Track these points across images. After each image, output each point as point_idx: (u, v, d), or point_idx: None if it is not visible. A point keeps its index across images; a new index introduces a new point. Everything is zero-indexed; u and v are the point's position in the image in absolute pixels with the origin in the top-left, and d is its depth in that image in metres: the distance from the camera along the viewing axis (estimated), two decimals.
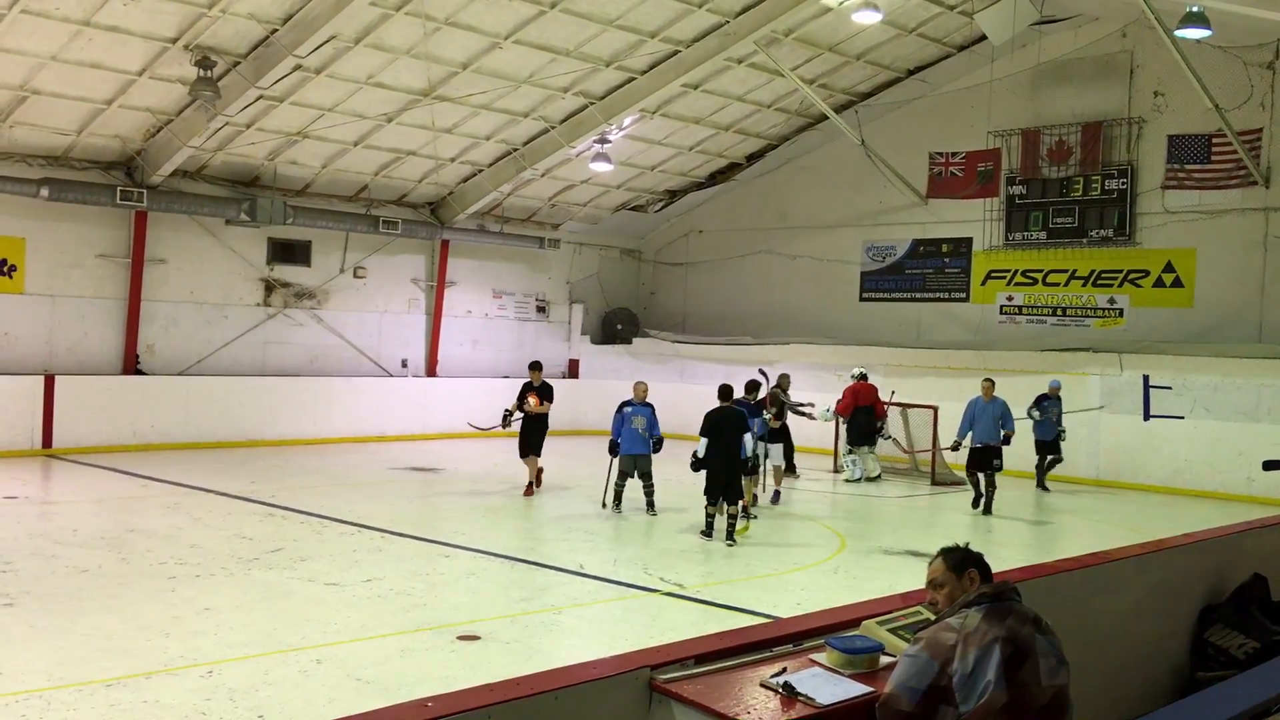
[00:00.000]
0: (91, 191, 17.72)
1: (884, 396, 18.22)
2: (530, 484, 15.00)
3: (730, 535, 12.13)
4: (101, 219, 18.31)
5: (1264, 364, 17.12)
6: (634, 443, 13.69)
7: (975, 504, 14.83)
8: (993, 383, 15.23)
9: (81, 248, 18.23)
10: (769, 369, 15.92)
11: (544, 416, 15.00)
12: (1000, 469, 14.78)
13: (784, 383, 16.19)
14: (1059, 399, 17.29)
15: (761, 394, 14.58)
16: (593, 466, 15.27)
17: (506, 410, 15.12)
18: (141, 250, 18.64)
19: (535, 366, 15.46)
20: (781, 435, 15.65)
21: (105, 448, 17.69)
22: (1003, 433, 14.78)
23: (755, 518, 13.48)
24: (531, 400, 14.82)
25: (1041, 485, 17.33)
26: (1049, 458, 17.36)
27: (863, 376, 18.25)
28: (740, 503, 12.43)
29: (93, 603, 8.71)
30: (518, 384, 15.93)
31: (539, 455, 14.96)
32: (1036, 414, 16.94)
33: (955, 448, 15.41)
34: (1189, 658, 5.76)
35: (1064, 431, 17.22)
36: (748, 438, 12.35)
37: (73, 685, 6.71)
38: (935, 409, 18.07)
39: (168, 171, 18.10)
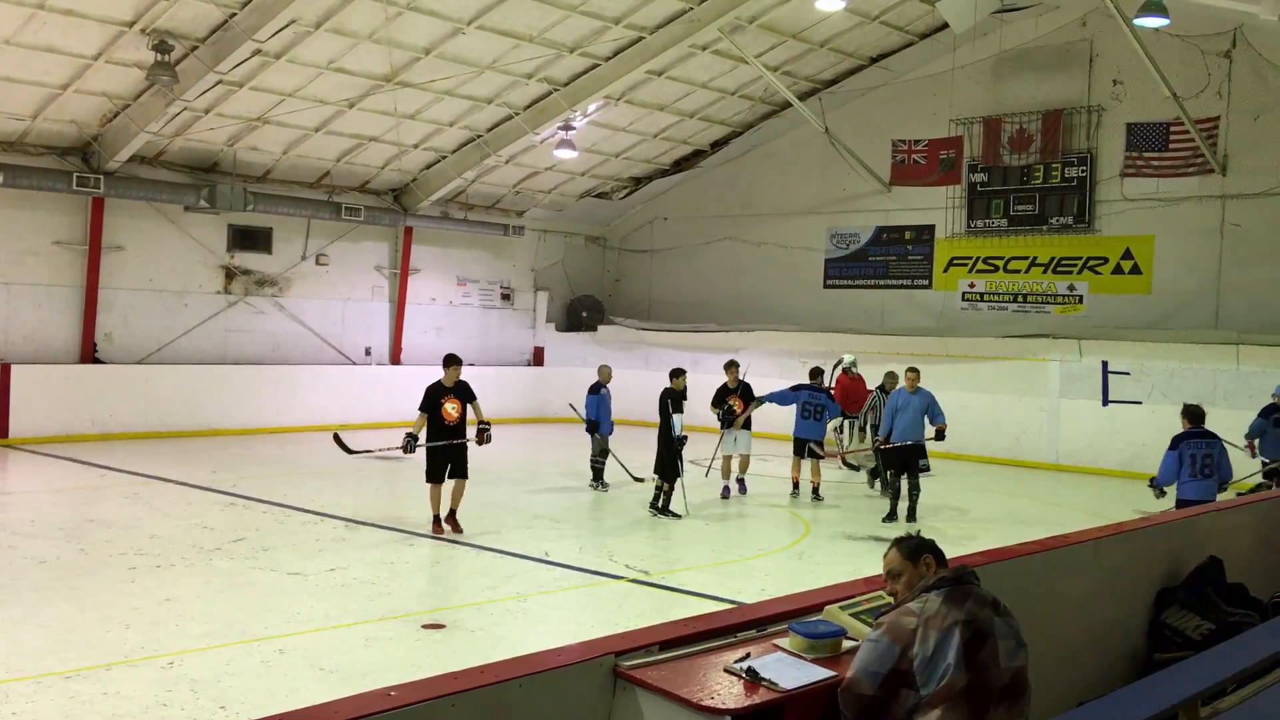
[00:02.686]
0: (47, 178, 17.44)
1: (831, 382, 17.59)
2: (440, 519, 11.41)
3: (657, 507, 12.96)
4: (58, 205, 18.03)
5: (1220, 349, 17.38)
6: (605, 420, 14.75)
7: (889, 517, 12.98)
8: (917, 371, 13.30)
9: (37, 234, 17.95)
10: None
11: (462, 428, 11.47)
12: (926, 470, 13.12)
13: (888, 382, 14.58)
14: None
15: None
16: (559, 453, 15.29)
17: (409, 435, 11.30)
18: (99, 237, 18.38)
19: (452, 361, 11.50)
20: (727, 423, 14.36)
21: (63, 437, 17.46)
22: (933, 427, 13.03)
23: (822, 499, 14.37)
24: (450, 407, 11.29)
25: None
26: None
27: (852, 365, 17.56)
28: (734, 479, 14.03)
29: (51, 594, 8.61)
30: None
31: (466, 477, 11.50)
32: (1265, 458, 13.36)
33: (878, 448, 14.05)
34: (1146, 639, 5.84)
35: None
36: (676, 418, 12.90)
37: (31, 677, 6.64)
38: None
39: (125, 157, 17.84)
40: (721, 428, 14.36)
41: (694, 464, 14.31)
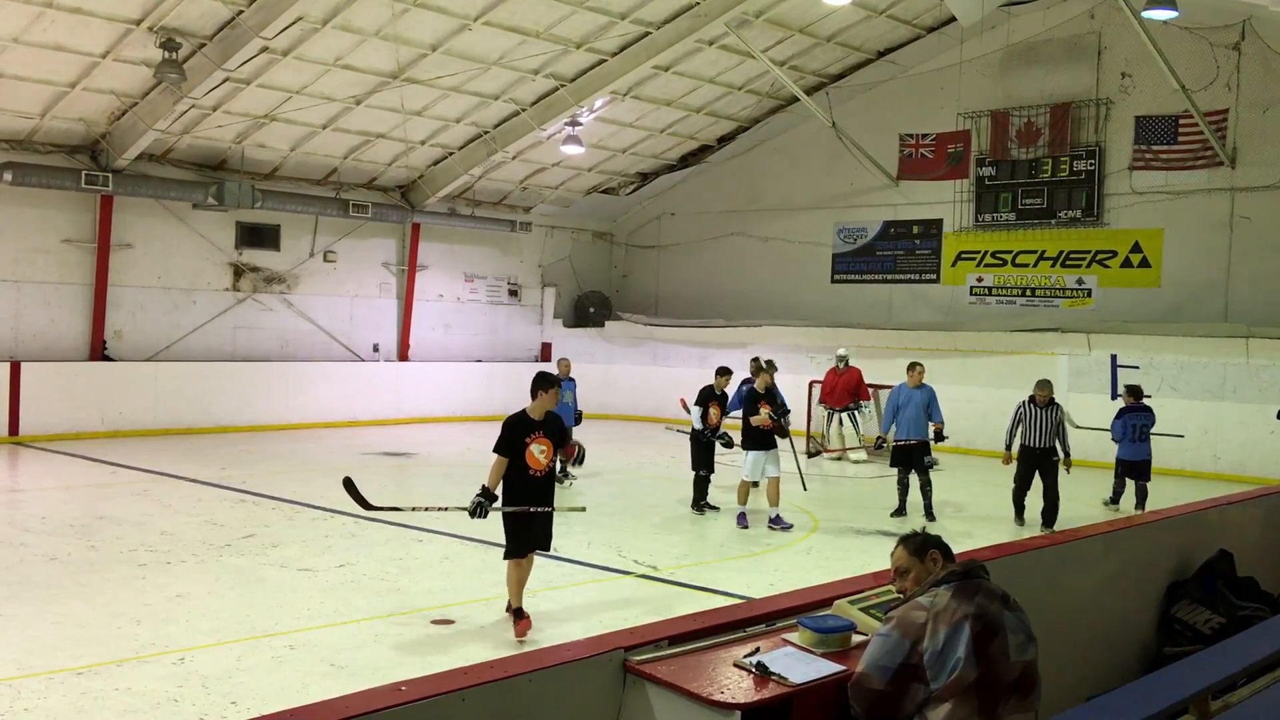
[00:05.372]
0: (56, 175, 17.48)
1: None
2: (522, 610, 7.86)
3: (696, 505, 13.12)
4: (66, 203, 18.08)
5: (1229, 343, 17.32)
6: (566, 416, 14.46)
7: (898, 512, 12.96)
8: (922, 366, 13.08)
9: (46, 233, 18.00)
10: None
11: (551, 483, 8.09)
12: (933, 465, 12.99)
13: (1039, 394, 12.53)
14: None
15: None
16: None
17: (484, 491, 7.64)
18: (107, 235, 18.43)
19: (545, 383, 7.96)
20: (767, 441, 12.11)
21: (73, 435, 17.52)
22: (931, 426, 12.86)
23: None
24: (539, 451, 7.78)
25: None
26: None
27: (843, 360, 18.30)
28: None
29: (62, 590, 8.64)
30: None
31: (546, 549, 8.13)
32: None
33: (879, 444, 14.02)
34: (1156, 633, 5.84)
35: None
36: (695, 410, 13.15)
37: (43, 674, 6.67)
38: None
39: (133, 155, 17.87)
40: (742, 444, 12.36)
41: (723, 464, 14.25)
